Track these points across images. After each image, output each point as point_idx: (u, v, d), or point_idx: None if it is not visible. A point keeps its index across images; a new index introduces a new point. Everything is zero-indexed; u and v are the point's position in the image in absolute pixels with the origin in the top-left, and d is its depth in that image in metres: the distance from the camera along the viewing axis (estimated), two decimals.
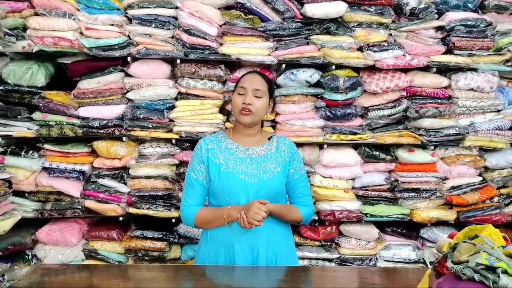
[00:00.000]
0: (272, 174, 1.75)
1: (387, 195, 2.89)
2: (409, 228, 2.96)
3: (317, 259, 2.88)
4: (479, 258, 1.04)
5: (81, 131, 2.75)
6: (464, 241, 1.13)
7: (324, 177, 2.84)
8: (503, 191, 2.94)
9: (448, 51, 2.87)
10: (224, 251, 1.72)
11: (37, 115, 2.72)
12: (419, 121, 2.83)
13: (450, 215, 2.85)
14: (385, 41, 2.78)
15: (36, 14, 2.63)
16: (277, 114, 2.80)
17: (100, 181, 2.78)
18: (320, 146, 2.88)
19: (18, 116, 2.71)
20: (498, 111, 2.92)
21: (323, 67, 2.87)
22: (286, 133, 2.75)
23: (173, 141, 2.81)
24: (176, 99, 2.79)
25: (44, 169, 2.78)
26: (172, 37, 2.71)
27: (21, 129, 2.73)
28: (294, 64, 2.77)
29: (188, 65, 2.71)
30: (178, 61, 2.71)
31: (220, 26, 2.75)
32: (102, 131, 2.74)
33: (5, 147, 2.74)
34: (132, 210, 2.75)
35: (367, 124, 2.85)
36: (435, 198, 2.86)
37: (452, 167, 2.88)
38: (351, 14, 2.76)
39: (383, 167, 2.86)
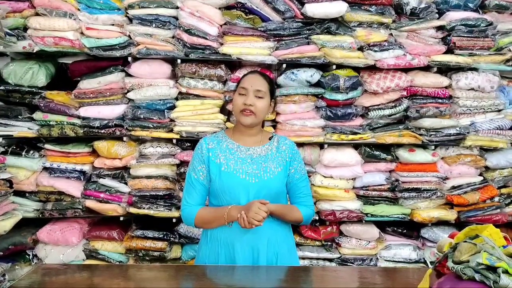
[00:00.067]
0: (273, 174, 1.75)
1: (387, 195, 2.89)
2: (409, 228, 2.96)
3: (317, 259, 2.88)
4: (479, 258, 1.04)
5: (82, 131, 2.75)
6: (465, 241, 1.13)
7: (325, 177, 2.84)
8: (503, 191, 2.93)
9: (449, 51, 2.87)
10: (225, 251, 1.72)
11: (37, 115, 2.72)
12: (420, 121, 2.82)
13: (450, 215, 2.85)
14: (385, 41, 2.78)
15: (37, 14, 2.63)
16: (277, 114, 2.80)
17: (101, 181, 2.78)
18: (321, 146, 2.88)
19: (19, 116, 2.71)
20: (499, 110, 2.92)
21: (324, 67, 2.87)
22: (287, 133, 2.75)
23: (174, 141, 2.81)
24: (176, 99, 2.79)
25: (45, 169, 2.79)
26: (173, 37, 2.72)
27: (22, 129, 2.73)
28: (294, 64, 2.77)
29: (189, 65, 2.71)
30: (179, 61, 2.71)
31: (221, 26, 2.76)
32: (102, 131, 2.75)
33: (6, 147, 2.74)
34: (132, 210, 2.75)
35: (368, 124, 2.85)
36: (435, 198, 2.86)
37: (453, 167, 2.88)
38: (352, 14, 2.75)
39: (383, 167, 2.86)
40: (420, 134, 2.85)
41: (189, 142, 2.86)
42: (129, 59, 2.73)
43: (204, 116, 2.75)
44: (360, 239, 2.89)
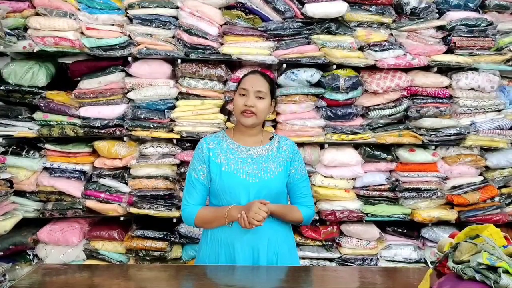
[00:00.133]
0: (273, 174, 1.75)
1: (388, 195, 2.88)
2: (410, 228, 2.96)
3: (318, 258, 2.88)
4: (480, 257, 1.04)
5: (82, 131, 2.75)
6: (465, 241, 1.13)
7: (325, 177, 2.84)
8: (504, 190, 2.93)
9: (449, 51, 2.87)
10: (225, 251, 1.72)
11: (38, 115, 2.72)
12: (420, 121, 2.82)
13: (451, 215, 2.85)
14: (385, 40, 2.78)
15: (37, 14, 2.63)
16: (278, 114, 2.80)
17: (101, 181, 2.78)
18: (321, 146, 2.88)
19: (19, 116, 2.71)
20: (499, 110, 2.92)
21: (324, 67, 2.86)
22: (287, 133, 2.75)
23: (174, 141, 2.81)
24: (177, 99, 2.79)
25: (45, 169, 2.79)
26: (173, 37, 2.72)
27: (22, 129, 2.73)
28: (294, 64, 2.77)
29: (189, 65, 2.71)
30: (179, 61, 2.71)
31: (221, 26, 2.75)
32: (103, 131, 2.75)
33: (6, 147, 2.74)
34: (133, 210, 2.75)
35: (368, 123, 2.85)
36: (436, 198, 2.86)
37: (453, 167, 2.88)
38: (352, 14, 2.75)
39: (384, 166, 2.86)
40: (421, 134, 2.84)
41: (190, 142, 2.86)
42: (129, 59, 2.73)
43: (204, 116, 2.75)
44: (360, 239, 2.89)
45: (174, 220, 2.81)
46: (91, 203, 2.76)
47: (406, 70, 2.84)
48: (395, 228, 2.96)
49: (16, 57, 2.81)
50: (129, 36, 2.69)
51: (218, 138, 1.83)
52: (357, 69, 2.83)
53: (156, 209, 2.75)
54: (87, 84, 2.73)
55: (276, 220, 1.75)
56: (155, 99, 2.74)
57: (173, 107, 2.76)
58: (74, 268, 1.59)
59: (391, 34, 2.83)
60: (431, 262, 2.81)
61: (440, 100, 2.84)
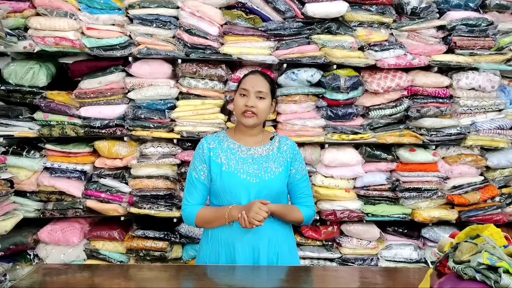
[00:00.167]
0: (274, 174, 1.75)
1: (388, 194, 2.88)
2: (410, 228, 2.96)
3: (318, 258, 2.88)
4: (480, 257, 1.03)
5: (83, 131, 2.75)
6: (466, 241, 1.13)
7: (326, 176, 2.84)
8: (504, 190, 2.93)
9: (450, 51, 2.87)
10: (225, 251, 1.72)
11: (38, 115, 2.72)
12: (421, 121, 2.82)
13: (451, 214, 2.85)
14: (386, 40, 2.78)
15: (38, 14, 2.64)
16: (278, 113, 2.80)
17: (102, 181, 2.78)
18: (322, 145, 2.88)
19: (20, 116, 2.72)
20: (500, 110, 2.92)
21: (324, 67, 2.86)
22: (288, 132, 2.75)
23: (175, 141, 2.81)
24: (177, 99, 2.79)
25: (46, 169, 2.79)
26: (173, 37, 2.72)
27: (23, 129, 2.73)
28: (295, 64, 2.77)
29: (189, 65, 2.71)
30: (179, 61, 2.71)
31: (221, 26, 2.76)
32: (103, 131, 2.75)
33: (6, 147, 2.74)
34: (133, 210, 2.75)
35: (368, 123, 2.85)
36: (436, 197, 2.85)
37: (454, 167, 2.88)
38: (352, 14, 2.75)
39: (384, 166, 2.86)
40: (421, 134, 2.84)
41: (190, 142, 2.86)
42: (130, 59, 2.73)
43: (205, 116, 2.75)
44: (361, 239, 2.89)
45: (175, 220, 2.81)
46: (91, 203, 2.76)
47: (407, 70, 2.84)
48: (396, 228, 2.96)
49: (16, 57, 2.81)
50: (130, 36, 2.69)
51: (219, 138, 1.83)
52: (357, 69, 2.83)
53: (156, 209, 2.75)
54: (87, 84, 2.73)
55: (277, 220, 1.75)
56: (155, 99, 2.74)
57: (173, 107, 2.76)
58: (75, 268, 1.59)
59: (392, 34, 2.83)
60: (432, 262, 2.81)
61: (440, 100, 2.83)
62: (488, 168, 2.94)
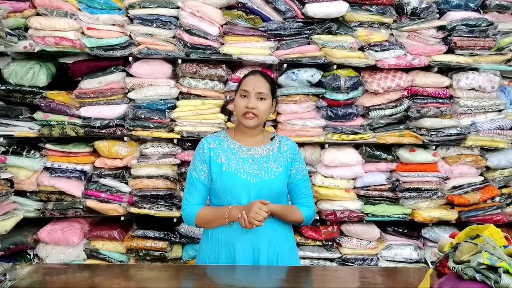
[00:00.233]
0: (274, 174, 1.75)
1: (388, 195, 2.88)
2: (410, 228, 2.96)
3: (318, 258, 2.88)
4: (480, 258, 1.04)
5: (83, 131, 2.75)
6: (466, 241, 1.13)
7: (326, 177, 2.84)
8: (504, 191, 2.93)
9: (450, 51, 2.87)
10: (225, 251, 1.72)
11: (38, 115, 2.72)
12: (421, 121, 2.82)
13: (451, 215, 2.85)
14: (386, 40, 2.78)
15: (38, 14, 2.64)
16: (278, 114, 2.80)
17: (102, 180, 2.78)
18: (322, 146, 2.88)
19: (20, 116, 2.72)
20: (500, 110, 2.92)
21: (324, 67, 2.86)
22: (288, 133, 2.75)
23: (175, 141, 2.81)
24: (177, 99, 2.79)
25: (46, 169, 2.79)
26: (174, 37, 2.72)
27: (23, 129, 2.73)
28: (295, 64, 2.77)
29: (190, 65, 2.71)
30: (180, 61, 2.71)
31: (222, 26, 2.76)
32: (103, 131, 2.75)
33: (7, 147, 2.74)
34: (133, 209, 2.75)
35: (369, 124, 2.85)
36: (436, 198, 2.85)
37: (454, 167, 2.88)
38: (352, 14, 2.75)
39: (384, 167, 2.86)
40: (421, 134, 2.84)
41: (190, 142, 2.86)
42: (130, 59, 2.73)
43: (205, 116, 2.75)
44: (360, 239, 2.89)
45: (175, 220, 2.81)
46: (91, 203, 2.76)
47: (407, 70, 2.84)
48: (396, 228, 2.96)
49: (16, 57, 2.81)
50: (130, 36, 2.69)
51: (219, 138, 1.83)
52: (357, 69, 2.83)
53: (156, 209, 2.75)
54: (87, 84, 2.73)
55: (277, 220, 1.75)
56: (155, 99, 2.74)
57: (173, 107, 2.76)
58: (75, 268, 1.59)
59: (392, 34, 2.83)
60: (432, 262, 2.81)
61: (440, 100, 2.83)
62: (488, 168, 2.94)
